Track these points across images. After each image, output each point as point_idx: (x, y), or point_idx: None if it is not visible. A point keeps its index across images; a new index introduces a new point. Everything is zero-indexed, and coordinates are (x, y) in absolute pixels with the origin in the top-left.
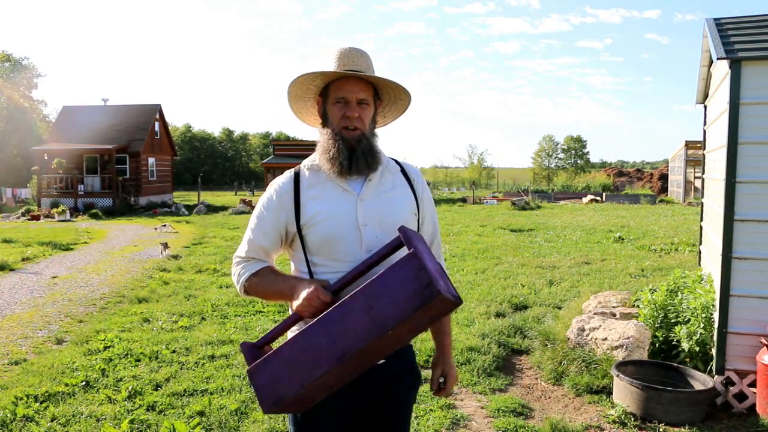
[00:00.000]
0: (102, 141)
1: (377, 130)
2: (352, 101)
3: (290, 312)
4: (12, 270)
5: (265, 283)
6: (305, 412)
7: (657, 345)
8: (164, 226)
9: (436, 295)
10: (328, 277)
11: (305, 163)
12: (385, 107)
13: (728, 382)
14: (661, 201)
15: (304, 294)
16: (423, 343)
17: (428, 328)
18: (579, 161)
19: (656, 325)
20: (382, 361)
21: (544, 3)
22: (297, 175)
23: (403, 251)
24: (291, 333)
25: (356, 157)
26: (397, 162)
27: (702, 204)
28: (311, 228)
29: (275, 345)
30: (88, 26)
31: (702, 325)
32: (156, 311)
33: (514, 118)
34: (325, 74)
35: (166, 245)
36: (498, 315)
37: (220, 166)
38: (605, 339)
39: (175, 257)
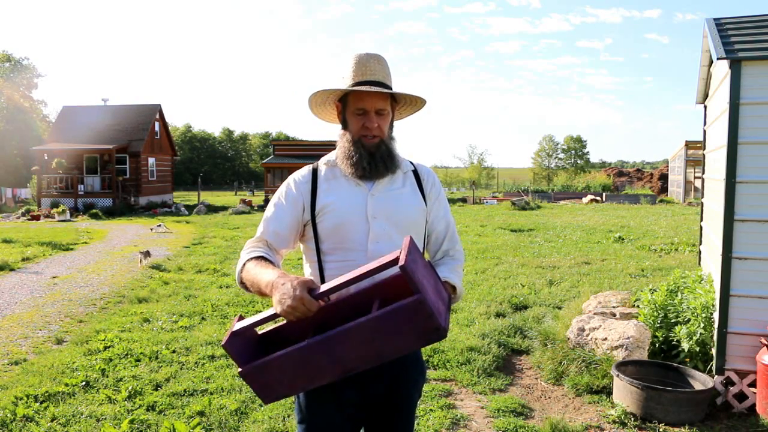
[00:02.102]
0: (102, 141)
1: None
2: (371, 112)
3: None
4: (12, 270)
5: (254, 272)
6: (313, 402)
7: (657, 345)
8: (159, 226)
9: (442, 337)
10: (337, 266)
11: (323, 160)
12: (401, 107)
13: (728, 382)
14: (661, 201)
15: (288, 300)
16: None
17: None
18: (579, 161)
19: (656, 325)
20: None
21: (545, 3)
22: (315, 170)
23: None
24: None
25: (375, 161)
26: (411, 162)
27: (702, 204)
28: (324, 216)
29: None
30: (88, 26)
31: (702, 325)
32: (156, 311)
33: (514, 118)
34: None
35: (147, 253)
36: (498, 315)
37: (220, 166)
38: (605, 339)
39: (157, 267)
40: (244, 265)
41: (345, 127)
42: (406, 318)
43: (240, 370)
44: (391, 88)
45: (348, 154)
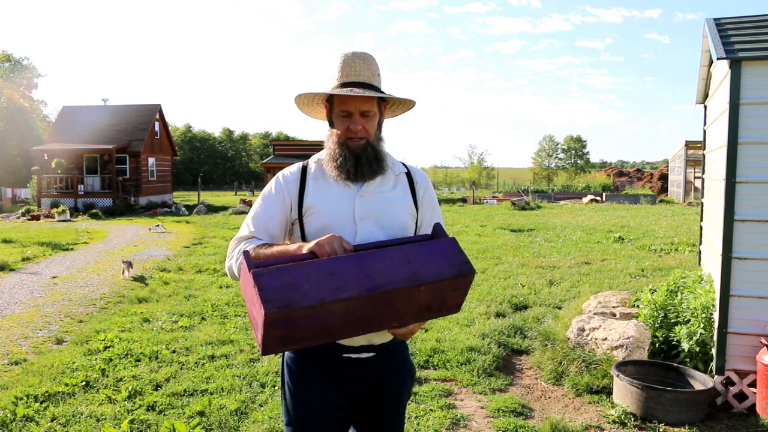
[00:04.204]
0: (102, 141)
1: (393, 132)
2: (356, 114)
3: None
4: (12, 270)
5: (269, 250)
6: (300, 404)
7: (657, 345)
8: (158, 226)
9: (472, 272)
10: None
11: (314, 158)
12: (392, 106)
13: (728, 382)
14: (661, 201)
15: (325, 236)
16: (423, 344)
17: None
18: (579, 161)
19: (656, 325)
20: (372, 354)
21: (545, 2)
22: (304, 168)
23: None
24: None
25: (361, 164)
26: (404, 165)
27: (702, 204)
28: (311, 216)
29: None
30: (88, 26)
31: (702, 325)
32: (156, 311)
33: (514, 118)
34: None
35: (130, 264)
36: (498, 315)
37: (220, 166)
38: (605, 339)
39: (141, 279)
40: (257, 246)
41: (332, 126)
42: (441, 248)
43: (253, 270)
44: (376, 89)
45: (333, 156)
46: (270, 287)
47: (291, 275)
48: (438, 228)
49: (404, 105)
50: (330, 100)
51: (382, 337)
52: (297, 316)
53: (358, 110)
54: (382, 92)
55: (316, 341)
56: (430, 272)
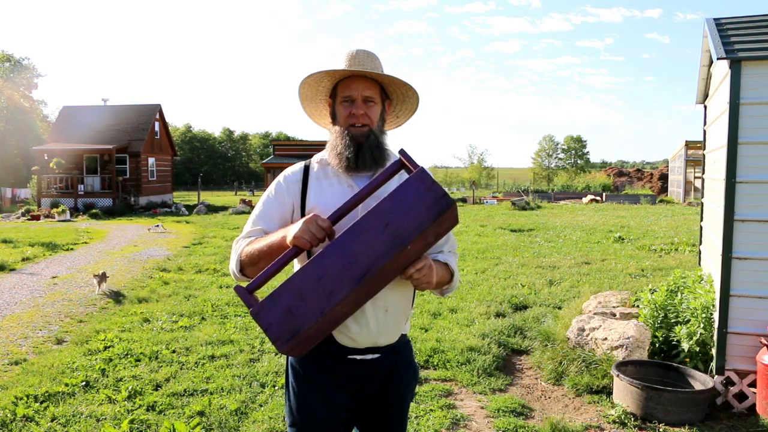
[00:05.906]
0: (102, 141)
1: (391, 131)
2: (358, 99)
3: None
4: (12, 270)
5: (258, 245)
6: (304, 406)
7: (657, 345)
8: (157, 226)
9: (451, 204)
10: None
11: (316, 158)
12: (396, 106)
13: (728, 382)
14: (661, 201)
15: (300, 224)
16: (423, 344)
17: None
18: (579, 161)
19: (656, 325)
20: (377, 355)
21: (545, 2)
22: (307, 168)
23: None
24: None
25: (363, 152)
26: None
27: (702, 204)
28: None
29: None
30: (88, 26)
31: (702, 325)
32: (156, 311)
33: (514, 118)
34: (330, 74)
35: (103, 276)
36: (498, 315)
37: (220, 166)
38: (605, 339)
39: (116, 295)
40: (243, 249)
41: (335, 121)
42: (412, 191)
43: (251, 308)
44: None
45: (335, 145)
46: (272, 322)
47: (284, 298)
48: (405, 155)
49: (407, 105)
50: (333, 95)
51: (388, 338)
52: (306, 334)
53: (361, 95)
54: (387, 74)
55: (333, 329)
56: (410, 227)
